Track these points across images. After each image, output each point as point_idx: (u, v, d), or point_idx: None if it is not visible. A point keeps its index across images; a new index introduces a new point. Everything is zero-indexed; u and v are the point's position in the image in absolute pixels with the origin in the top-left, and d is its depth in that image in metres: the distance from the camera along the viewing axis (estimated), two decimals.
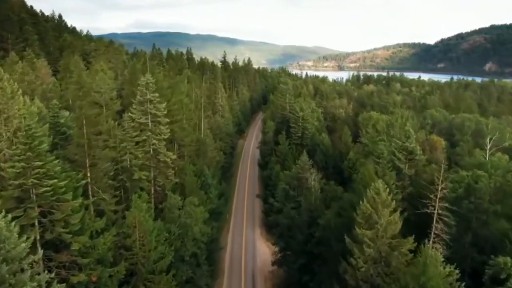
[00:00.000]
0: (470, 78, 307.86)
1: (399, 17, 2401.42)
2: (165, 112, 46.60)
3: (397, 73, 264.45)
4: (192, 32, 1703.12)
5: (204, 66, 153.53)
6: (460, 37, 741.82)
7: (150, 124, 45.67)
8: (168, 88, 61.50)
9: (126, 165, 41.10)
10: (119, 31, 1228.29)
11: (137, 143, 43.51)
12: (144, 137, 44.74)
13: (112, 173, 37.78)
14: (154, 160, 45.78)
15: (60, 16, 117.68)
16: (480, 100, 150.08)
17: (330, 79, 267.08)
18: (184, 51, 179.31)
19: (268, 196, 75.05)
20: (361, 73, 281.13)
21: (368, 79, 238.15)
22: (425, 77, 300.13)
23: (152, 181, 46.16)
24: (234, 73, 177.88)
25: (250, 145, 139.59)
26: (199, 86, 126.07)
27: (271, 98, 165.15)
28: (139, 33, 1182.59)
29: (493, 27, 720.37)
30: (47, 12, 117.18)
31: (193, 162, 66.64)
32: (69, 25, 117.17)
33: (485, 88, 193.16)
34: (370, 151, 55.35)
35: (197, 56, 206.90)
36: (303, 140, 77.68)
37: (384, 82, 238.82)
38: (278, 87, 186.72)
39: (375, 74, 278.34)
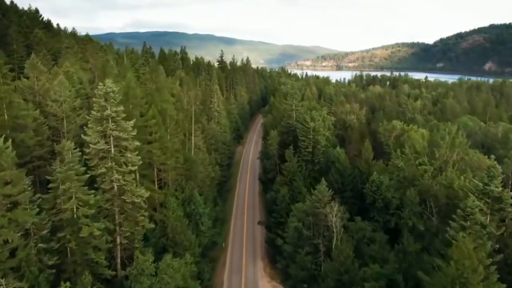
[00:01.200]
0: (470, 78, 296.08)
1: (398, 16, 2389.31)
2: (134, 133, 32.76)
3: (401, 73, 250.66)
4: (190, 31, 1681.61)
5: (199, 67, 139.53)
6: (459, 36, 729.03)
7: (112, 150, 31.91)
8: (146, 96, 47.72)
9: (69, 216, 27.30)
10: (117, 31, 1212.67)
11: (90, 181, 29.65)
12: (103, 170, 30.98)
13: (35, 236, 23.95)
14: (118, 202, 32.02)
15: (36, 10, 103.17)
16: (498, 102, 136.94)
17: (331, 79, 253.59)
18: (179, 50, 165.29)
19: (272, 225, 61.45)
20: (364, 73, 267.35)
21: (372, 80, 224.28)
22: (424, 77, 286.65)
23: (117, 230, 32.45)
24: (231, 74, 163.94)
25: (250, 153, 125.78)
26: (193, 89, 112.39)
27: (272, 101, 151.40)
28: (137, 33, 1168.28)
29: (492, 27, 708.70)
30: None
31: (181, 187, 52.99)
32: (45, 20, 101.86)
33: (496, 89, 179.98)
34: (410, 179, 41.74)
35: (195, 55, 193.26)
36: (314, 156, 63.95)
37: (388, 83, 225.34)
38: (279, 88, 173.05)
39: (378, 74, 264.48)
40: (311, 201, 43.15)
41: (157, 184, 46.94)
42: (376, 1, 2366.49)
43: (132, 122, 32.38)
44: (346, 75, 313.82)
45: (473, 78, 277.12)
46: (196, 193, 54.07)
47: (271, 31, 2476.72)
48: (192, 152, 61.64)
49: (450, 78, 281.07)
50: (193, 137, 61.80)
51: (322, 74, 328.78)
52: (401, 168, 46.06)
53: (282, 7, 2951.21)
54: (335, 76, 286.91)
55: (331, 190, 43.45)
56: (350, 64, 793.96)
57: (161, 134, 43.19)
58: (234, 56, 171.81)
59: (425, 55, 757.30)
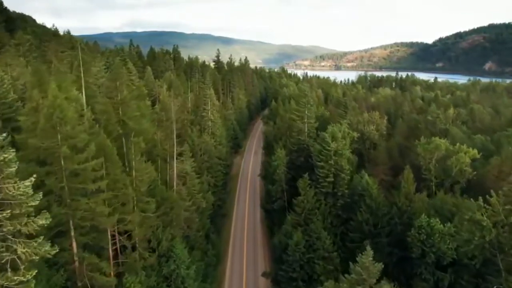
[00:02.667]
0: (470, 78, 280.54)
1: (396, 16, 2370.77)
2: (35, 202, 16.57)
3: (408, 73, 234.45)
4: (188, 31, 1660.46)
5: (192, 67, 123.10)
6: (459, 36, 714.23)
7: None
8: (101, 114, 31.50)
9: None
10: (114, 30, 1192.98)
11: None
12: None
13: None
14: None
15: None
16: None
17: (331, 79, 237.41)
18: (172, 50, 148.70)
19: (283, 280, 45.40)
20: (368, 73, 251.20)
21: (378, 81, 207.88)
22: (424, 76, 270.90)
23: None
24: (229, 75, 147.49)
25: (249, 165, 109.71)
26: (183, 94, 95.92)
27: (273, 106, 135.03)
28: (134, 33, 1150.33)
29: (491, 26, 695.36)
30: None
31: (155, 237, 36.88)
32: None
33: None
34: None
35: (188, 55, 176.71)
36: (336, 187, 47.80)
37: (394, 84, 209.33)
38: (281, 91, 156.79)
39: (382, 74, 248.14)
40: (349, 281, 27.13)
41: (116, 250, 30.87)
42: (375, 1, 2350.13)
43: (29, 182, 16.22)
44: (346, 75, 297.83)
45: (473, 78, 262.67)
46: (177, 246, 37.97)
47: (269, 31, 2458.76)
48: (174, 182, 45.39)
49: (450, 78, 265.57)
50: (175, 164, 45.56)
51: (321, 74, 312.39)
52: (485, 228, 29.98)
53: (280, 6, 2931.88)
54: (334, 76, 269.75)
55: (373, 252, 27.42)
56: (349, 64, 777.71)
57: (115, 176, 27.17)
58: (231, 55, 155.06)
59: (424, 55, 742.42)
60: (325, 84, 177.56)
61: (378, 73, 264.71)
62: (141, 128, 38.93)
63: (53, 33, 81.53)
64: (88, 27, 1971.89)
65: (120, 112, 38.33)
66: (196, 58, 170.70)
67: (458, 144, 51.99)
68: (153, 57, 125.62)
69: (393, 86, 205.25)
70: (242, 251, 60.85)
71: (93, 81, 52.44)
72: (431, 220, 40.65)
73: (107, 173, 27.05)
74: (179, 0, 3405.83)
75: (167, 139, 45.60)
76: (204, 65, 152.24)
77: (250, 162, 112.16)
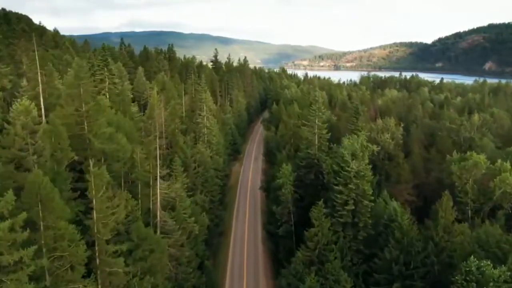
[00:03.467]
0: (471, 78, 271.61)
1: (394, 16, 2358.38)
2: None
3: (413, 74, 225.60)
4: (186, 31, 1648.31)
5: (188, 68, 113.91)
6: (458, 36, 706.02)
7: None
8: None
9: None
10: (113, 30, 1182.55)
11: None
12: None
13: None
14: None
15: None
16: None
17: (334, 80, 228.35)
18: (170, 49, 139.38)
19: None
20: (370, 74, 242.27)
21: (381, 82, 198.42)
22: (425, 76, 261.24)
23: None
24: (227, 76, 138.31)
25: (249, 174, 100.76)
26: (177, 99, 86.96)
27: (274, 109, 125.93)
28: (132, 32, 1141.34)
29: (491, 26, 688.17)
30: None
31: None
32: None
33: None
34: None
35: (183, 55, 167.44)
36: (356, 215, 38.79)
37: (399, 84, 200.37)
38: (282, 93, 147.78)
39: (385, 74, 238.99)
40: None
41: None
42: (374, 1, 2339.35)
43: None
44: (345, 76, 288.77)
45: (481, 79, 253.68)
46: None
47: (268, 31, 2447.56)
48: (158, 213, 36.33)
49: (450, 78, 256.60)
50: (158, 189, 36.47)
51: (320, 74, 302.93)
52: None
53: (278, 6, 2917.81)
54: (333, 76, 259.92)
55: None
56: (348, 64, 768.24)
57: (58, 231, 18.24)
58: (229, 55, 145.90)
59: (423, 54, 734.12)
60: (328, 85, 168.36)
61: (381, 74, 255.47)
62: (113, 148, 29.84)
63: (23, 29, 72.10)
64: (87, 27, 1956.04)
65: (86, 127, 29.36)
66: (193, 58, 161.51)
67: (499, 160, 43.13)
68: (146, 57, 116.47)
69: (397, 86, 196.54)
70: (241, 283, 51.99)
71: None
72: (482, 263, 31.89)
73: (46, 227, 18.17)
74: (178, 0, 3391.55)
75: (150, 158, 36.57)
76: (201, 66, 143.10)
77: (250, 170, 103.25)
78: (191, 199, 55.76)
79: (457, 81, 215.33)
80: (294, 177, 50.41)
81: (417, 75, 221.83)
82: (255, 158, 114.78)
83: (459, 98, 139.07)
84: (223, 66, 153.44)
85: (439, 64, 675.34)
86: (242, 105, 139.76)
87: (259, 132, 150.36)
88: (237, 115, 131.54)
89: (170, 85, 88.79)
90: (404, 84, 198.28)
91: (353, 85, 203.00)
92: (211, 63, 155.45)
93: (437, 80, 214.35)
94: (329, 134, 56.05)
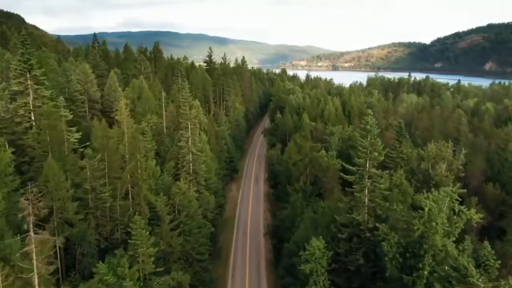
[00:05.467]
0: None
1: (392, 16, 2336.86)
2: None
3: (425, 75, 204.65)
4: (183, 31, 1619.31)
5: (174, 70, 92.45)
6: (457, 36, 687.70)
7: None
8: None
9: None
10: (108, 30, 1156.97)
11: None
12: None
13: None
14: None
15: None
16: None
17: (338, 81, 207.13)
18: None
19: None
20: (378, 74, 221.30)
21: (391, 84, 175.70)
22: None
23: None
24: (222, 79, 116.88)
25: (249, 202, 79.98)
26: (154, 111, 65.81)
27: (279, 120, 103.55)
28: (129, 32, 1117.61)
29: (490, 26, 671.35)
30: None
31: None
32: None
33: None
34: None
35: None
36: None
37: (412, 87, 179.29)
38: (287, 99, 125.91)
39: (393, 76, 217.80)
40: None
41: None
42: (372, 1, 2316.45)
43: None
44: (344, 76, 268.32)
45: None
46: None
47: (264, 31, 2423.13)
48: None
49: (451, 79, 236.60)
50: None
51: (318, 74, 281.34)
52: None
53: (275, 6, 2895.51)
54: (331, 77, 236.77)
55: None
56: (346, 64, 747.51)
57: None
58: (225, 54, 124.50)
59: (422, 55, 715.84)
60: (337, 89, 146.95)
61: (388, 75, 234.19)
62: None
63: None
64: (82, 27, 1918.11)
65: None
66: (184, 58, 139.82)
67: None
68: (125, 58, 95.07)
69: (410, 89, 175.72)
70: None
71: None
72: None
73: None
74: (175, 0, 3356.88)
75: None
76: (192, 67, 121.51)
77: (250, 197, 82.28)
78: (162, 280, 35.04)
79: (473, 83, 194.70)
80: (330, 257, 29.42)
81: (427, 77, 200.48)
82: (255, 179, 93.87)
83: (489, 104, 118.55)
84: (218, 67, 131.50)
85: (438, 65, 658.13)
86: (240, 112, 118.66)
87: (259, 143, 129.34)
88: (235, 125, 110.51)
89: (148, 94, 67.49)
90: (417, 87, 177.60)
91: (363, 88, 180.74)
92: (205, 64, 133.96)
93: (451, 82, 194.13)
94: (391, 192, 34.32)
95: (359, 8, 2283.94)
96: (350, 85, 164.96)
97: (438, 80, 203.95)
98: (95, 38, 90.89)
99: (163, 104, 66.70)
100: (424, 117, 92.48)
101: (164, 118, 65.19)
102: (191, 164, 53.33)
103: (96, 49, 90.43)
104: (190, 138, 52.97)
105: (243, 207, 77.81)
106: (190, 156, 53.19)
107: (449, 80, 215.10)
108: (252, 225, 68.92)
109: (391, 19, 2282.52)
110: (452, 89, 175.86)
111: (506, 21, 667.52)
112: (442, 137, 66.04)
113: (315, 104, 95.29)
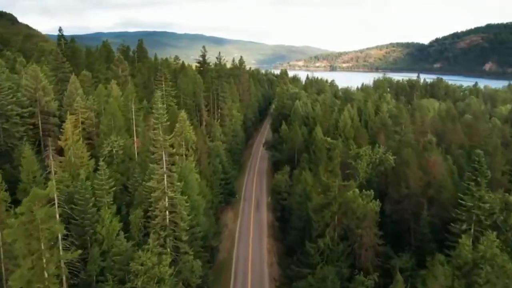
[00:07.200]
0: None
1: (391, 16, 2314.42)
2: None
3: (438, 77, 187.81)
4: (180, 31, 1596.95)
5: (157, 74, 74.73)
6: (456, 36, 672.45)
7: None
8: None
9: None
10: (105, 30, 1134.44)
11: None
12: None
13: None
14: None
15: None
16: None
17: (337, 82, 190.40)
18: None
19: None
20: (385, 75, 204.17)
21: (411, 87, 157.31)
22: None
23: None
24: (217, 82, 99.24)
25: (249, 237, 62.89)
26: (121, 133, 48.19)
27: (285, 133, 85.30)
28: (126, 32, 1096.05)
29: (489, 26, 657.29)
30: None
31: None
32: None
33: None
34: None
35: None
36: None
37: (424, 90, 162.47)
38: (294, 106, 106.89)
39: (402, 77, 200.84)
40: None
41: None
42: (370, 1, 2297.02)
43: None
44: (343, 76, 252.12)
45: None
46: None
47: (261, 31, 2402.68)
48: None
49: (451, 79, 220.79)
50: None
51: (316, 75, 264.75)
52: None
53: (273, 6, 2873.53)
54: (330, 77, 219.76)
55: None
56: (344, 65, 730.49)
57: None
58: (219, 54, 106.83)
59: (420, 55, 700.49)
60: (345, 93, 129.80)
61: (400, 76, 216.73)
62: None
63: None
64: (78, 27, 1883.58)
65: None
66: (176, 57, 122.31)
67: None
68: (97, 58, 77.29)
69: (423, 92, 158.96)
70: None
71: None
72: None
73: None
74: (173, 0, 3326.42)
75: None
76: (183, 68, 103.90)
77: (250, 232, 64.98)
78: None
79: (493, 85, 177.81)
80: None
81: (439, 78, 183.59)
82: (256, 204, 76.61)
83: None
84: (213, 69, 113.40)
85: (437, 65, 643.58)
86: (237, 121, 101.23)
87: (259, 155, 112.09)
88: (231, 136, 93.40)
89: (113, 105, 49.70)
90: (430, 90, 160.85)
91: (366, 89, 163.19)
92: (198, 65, 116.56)
93: (465, 84, 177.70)
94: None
95: (357, 8, 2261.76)
96: (361, 88, 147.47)
97: (450, 82, 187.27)
98: (61, 34, 72.91)
99: (134, 118, 49.10)
100: (458, 129, 75.43)
101: (135, 138, 47.76)
102: (166, 213, 36.04)
103: (62, 46, 72.63)
104: (165, 176, 35.62)
105: (242, 245, 60.68)
106: (166, 201, 35.89)
107: (449, 80, 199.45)
108: (255, 275, 51.91)
109: (389, 19, 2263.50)
110: (467, 92, 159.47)
111: (505, 21, 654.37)
112: (505, 161, 49.10)
113: (328, 113, 78.01)
